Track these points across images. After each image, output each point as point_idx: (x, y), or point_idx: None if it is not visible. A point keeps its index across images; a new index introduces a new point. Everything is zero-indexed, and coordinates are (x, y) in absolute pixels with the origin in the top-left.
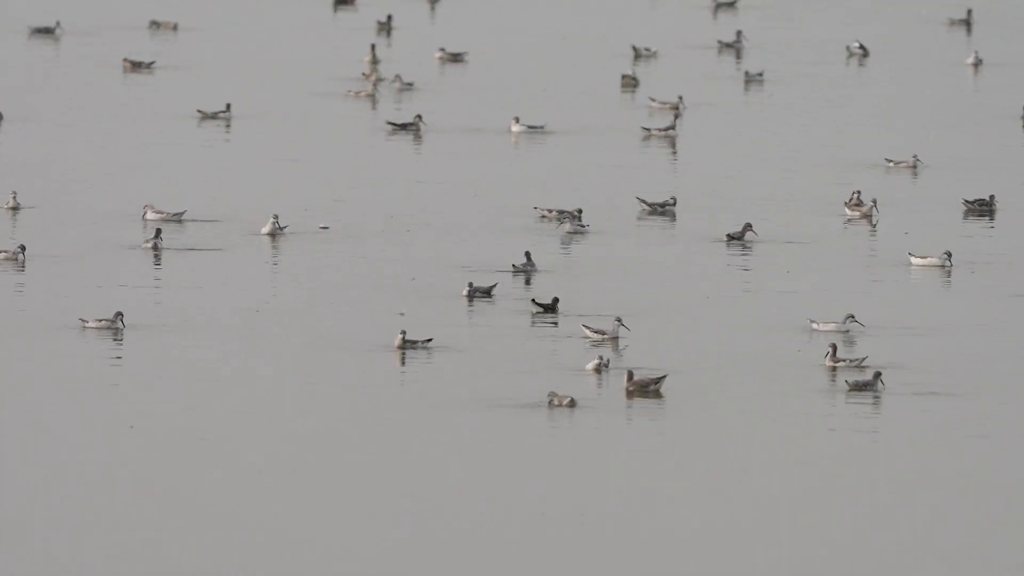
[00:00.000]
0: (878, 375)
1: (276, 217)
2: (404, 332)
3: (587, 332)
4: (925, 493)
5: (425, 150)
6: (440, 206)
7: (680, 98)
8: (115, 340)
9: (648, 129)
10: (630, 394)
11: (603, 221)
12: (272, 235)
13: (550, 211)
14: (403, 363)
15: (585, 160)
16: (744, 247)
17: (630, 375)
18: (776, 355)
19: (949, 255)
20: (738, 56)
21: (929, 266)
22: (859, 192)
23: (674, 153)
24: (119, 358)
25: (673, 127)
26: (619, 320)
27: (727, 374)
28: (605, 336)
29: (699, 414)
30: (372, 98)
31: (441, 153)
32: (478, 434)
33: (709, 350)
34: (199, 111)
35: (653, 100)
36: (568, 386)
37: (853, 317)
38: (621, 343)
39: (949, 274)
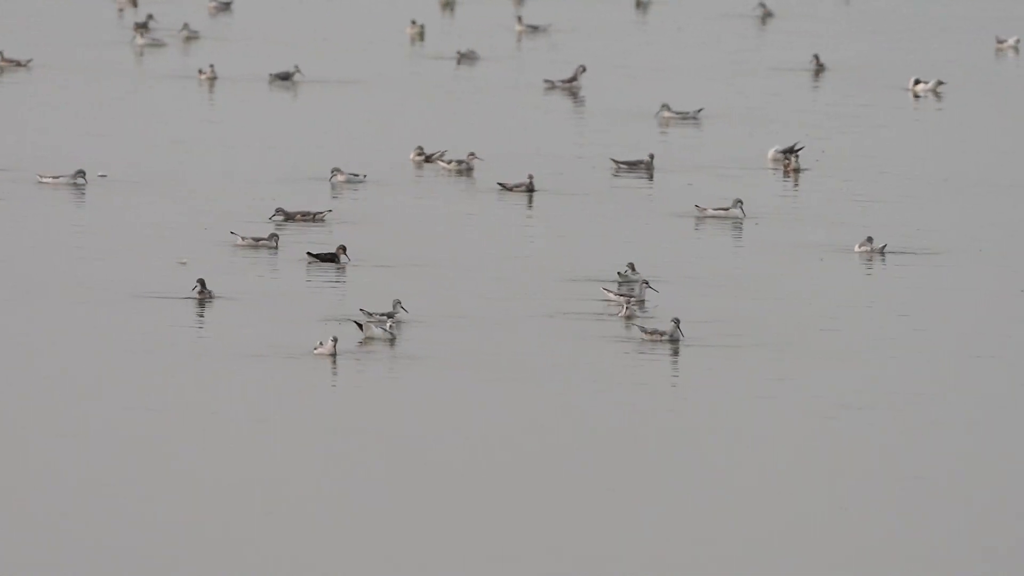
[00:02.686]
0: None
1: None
2: (203, 280)
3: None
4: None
5: (206, 99)
6: (221, 157)
7: (582, 67)
8: None
9: (551, 81)
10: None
11: (382, 173)
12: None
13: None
14: (201, 313)
15: (361, 111)
16: (528, 200)
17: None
18: (579, 306)
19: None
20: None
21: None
22: (794, 150)
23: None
24: None
25: (576, 79)
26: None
27: (517, 325)
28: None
29: (481, 365)
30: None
31: (219, 102)
32: (256, 383)
33: (494, 301)
34: None
35: (548, 81)
36: (346, 337)
37: (634, 272)
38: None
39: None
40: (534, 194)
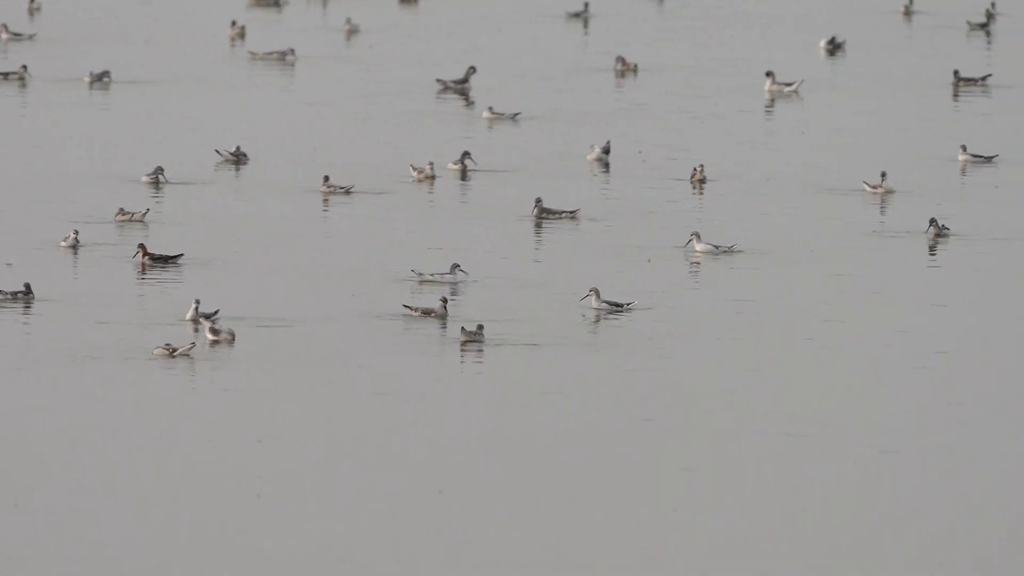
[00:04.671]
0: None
1: None
2: (28, 284)
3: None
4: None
5: (20, 101)
6: (45, 158)
7: (472, 68)
8: None
9: (443, 82)
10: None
11: (188, 172)
12: None
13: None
14: (27, 317)
15: (171, 111)
16: (325, 200)
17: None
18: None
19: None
20: (324, 5)
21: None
22: (701, 166)
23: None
24: None
25: (467, 80)
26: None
27: (320, 325)
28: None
29: (293, 364)
30: None
31: (32, 103)
32: (82, 386)
33: (306, 299)
34: None
35: (440, 81)
36: (174, 338)
37: (459, 266)
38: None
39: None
40: (352, 195)
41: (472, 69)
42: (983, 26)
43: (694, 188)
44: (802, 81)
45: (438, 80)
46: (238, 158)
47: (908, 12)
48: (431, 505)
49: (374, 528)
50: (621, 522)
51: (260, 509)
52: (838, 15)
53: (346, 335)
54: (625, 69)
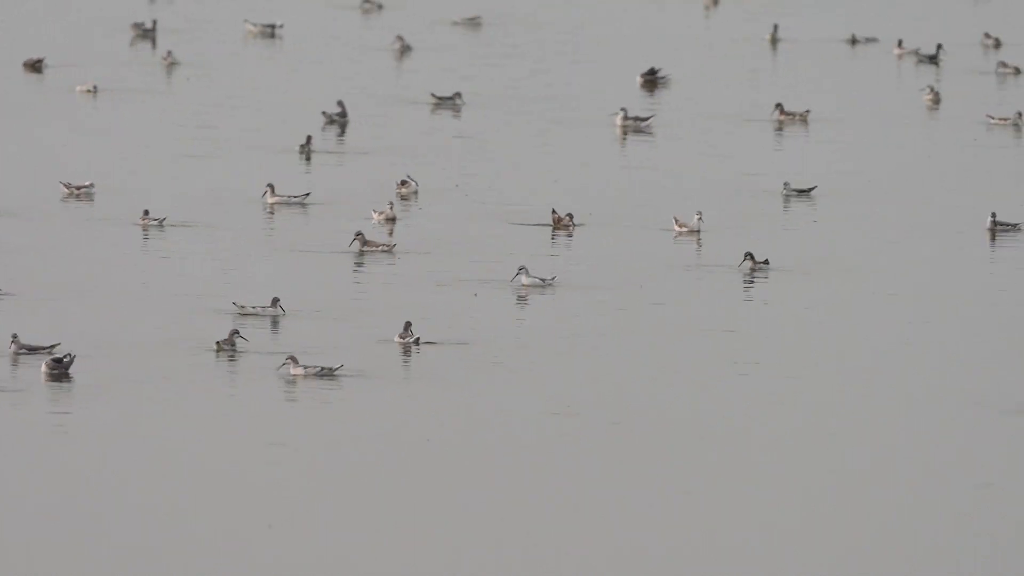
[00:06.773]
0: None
1: None
2: None
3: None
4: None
5: None
6: None
7: (339, 101)
8: None
9: (328, 115)
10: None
11: (24, 203)
12: None
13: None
14: None
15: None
16: (161, 230)
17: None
18: (200, 337)
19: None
20: (153, 44)
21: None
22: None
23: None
24: None
25: (344, 113)
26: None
27: (149, 357)
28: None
29: (125, 397)
30: None
31: None
32: None
33: (130, 332)
34: None
35: (326, 114)
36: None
37: (279, 301)
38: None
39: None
40: (171, 226)
41: (340, 103)
42: (932, 58)
43: (558, 231)
44: (653, 116)
45: (324, 113)
46: (74, 190)
47: (774, 40)
48: (258, 539)
49: (196, 562)
50: (440, 553)
51: (100, 539)
52: (696, 43)
53: (170, 366)
54: (439, 103)
